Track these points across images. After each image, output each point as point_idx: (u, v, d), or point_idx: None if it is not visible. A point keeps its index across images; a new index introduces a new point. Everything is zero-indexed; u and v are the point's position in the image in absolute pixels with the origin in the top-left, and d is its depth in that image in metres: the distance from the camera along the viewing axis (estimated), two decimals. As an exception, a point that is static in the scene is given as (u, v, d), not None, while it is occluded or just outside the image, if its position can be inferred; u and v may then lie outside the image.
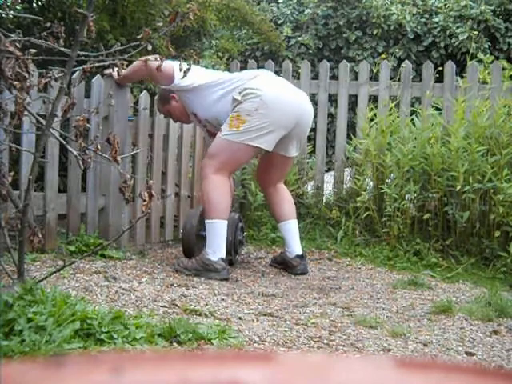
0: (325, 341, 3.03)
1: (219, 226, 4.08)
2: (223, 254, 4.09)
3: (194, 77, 4.10)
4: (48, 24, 2.84)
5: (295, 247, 4.41)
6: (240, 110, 4.10)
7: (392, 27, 8.99)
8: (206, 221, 4.12)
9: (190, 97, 4.24)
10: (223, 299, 3.56)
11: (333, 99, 6.57)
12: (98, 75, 4.24)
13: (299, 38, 9.12)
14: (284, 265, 4.44)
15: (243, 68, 5.06)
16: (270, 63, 5.89)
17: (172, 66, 4.07)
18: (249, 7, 6.69)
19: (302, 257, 4.40)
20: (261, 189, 4.80)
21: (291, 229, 4.45)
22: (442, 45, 8.82)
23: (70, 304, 2.59)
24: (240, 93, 4.11)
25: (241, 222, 4.60)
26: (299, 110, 4.24)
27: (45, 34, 2.77)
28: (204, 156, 4.50)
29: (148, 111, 4.60)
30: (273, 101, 4.11)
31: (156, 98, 4.66)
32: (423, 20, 9.01)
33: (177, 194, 4.96)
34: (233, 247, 4.38)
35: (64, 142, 3.05)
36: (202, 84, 4.20)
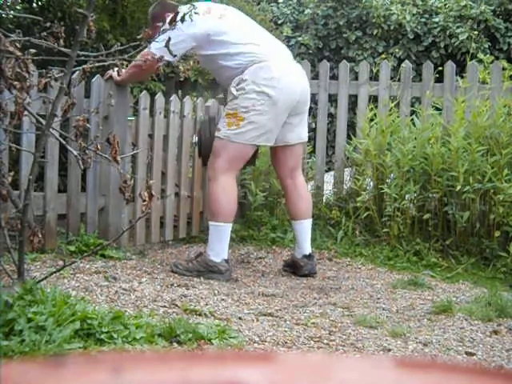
0: (325, 341, 3.03)
1: (224, 229, 4.09)
2: (226, 256, 4.10)
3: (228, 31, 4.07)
4: (48, 24, 2.84)
5: (304, 247, 4.35)
6: (236, 106, 4.07)
7: (392, 27, 8.99)
8: (211, 222, 4.12)
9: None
10: (223, 299, 3.56)
11: (333, 99, 6.57)
12: (98, 75, 4.24)
13: (299, 38, 9.12)
14: (293, 267, 4.36)
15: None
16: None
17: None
18: (249, 7, 6.68)
19: (309, 256, 4.33)
20: (279, 182, 4.67)
21: (304, 228, 4.38)
22: (442, 45, 8.82)
23: (70, 304, 2.59)
24: (236, 86, 4.06)
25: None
26: (295, 98, 4.16)
27: (45, 34, 2.77)
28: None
29: (148, 111, 4.59)
30: (269, 96, 4.05)
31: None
32: (423, 20, 9.01)
33: (177, 194, 4.95)
34: None
35: (64, 142, 3.05)
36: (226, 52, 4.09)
